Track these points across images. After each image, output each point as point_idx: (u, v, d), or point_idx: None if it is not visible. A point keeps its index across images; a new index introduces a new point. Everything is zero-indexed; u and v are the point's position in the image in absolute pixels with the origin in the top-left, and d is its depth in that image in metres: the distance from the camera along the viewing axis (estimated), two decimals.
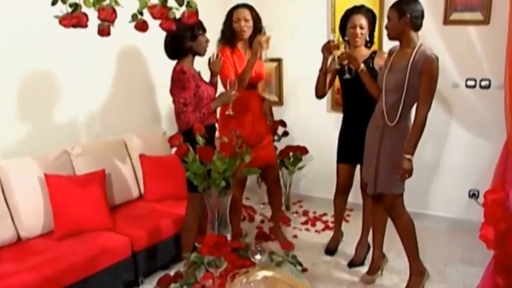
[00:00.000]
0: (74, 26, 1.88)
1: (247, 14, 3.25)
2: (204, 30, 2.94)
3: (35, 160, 3.08)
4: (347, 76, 3.16)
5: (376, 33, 3.40)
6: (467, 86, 3.85)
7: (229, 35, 3.31)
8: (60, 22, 1.93)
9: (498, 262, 1.30)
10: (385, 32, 3.12)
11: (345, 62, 2.99)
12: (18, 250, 2.82)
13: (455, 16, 3.82)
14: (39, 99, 3.29)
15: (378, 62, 3.14)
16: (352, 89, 3.27)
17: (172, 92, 2.88)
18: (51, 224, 2.99)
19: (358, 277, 3.26)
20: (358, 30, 3.15)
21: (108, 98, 3.78)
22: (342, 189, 3.52)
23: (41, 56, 3.24)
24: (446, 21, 3.83)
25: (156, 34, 2.40)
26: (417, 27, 2.72)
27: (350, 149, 3.36)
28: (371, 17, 3.21)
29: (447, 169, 4.08)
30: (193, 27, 2.81)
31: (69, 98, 3.50)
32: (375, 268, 3.21)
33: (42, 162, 3.09)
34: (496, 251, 1.28)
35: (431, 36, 3.61)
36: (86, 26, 1.92)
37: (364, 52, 3.23)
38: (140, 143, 3.75)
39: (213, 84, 3.08)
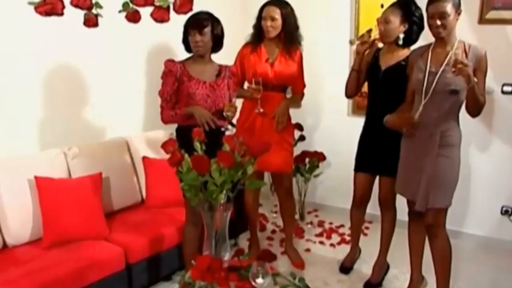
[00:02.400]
0: (48, 13, 1.64)
1: (274, 12, 3.07)
2: (198, 28, 2.69)
3: (26, 160, 2.89)
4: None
5: None
6: (503, 92, 3.51)
7: (254, 32, 3.23)
8: (36, 9, 1.70)
9: None
10: None
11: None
12: (2, 259, 2.59)
13: (492, 14, 3.50)
14: (36, 96, 3.09)
15: None
16: (379, 92, 2.97)
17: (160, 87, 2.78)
18: (40, 231, 2.76)
19: None
20: (381, 26, 2.84)
21: (111, 96, 3.55)
22: (360, 201, 3.22)
23: (36, 55, 3.00)
24: (482, 20, 3.52)
25: (156, 33, 2.15)
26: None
27: (370, 157, 3.07)
28: (408, 14, 2.81)
29: (478, 183, 3.74)
30: (184, 25, 2.72)
31: (68, 96, 3.30)
32: None
33: (33, 163, 2.88)
34: None
35: (465, 36, 3.24)
36: (61, 13, 1.68)
37: (399, 53, 2.88)
38: (144, 144, 3.51)
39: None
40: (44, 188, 2.78)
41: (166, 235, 3.04)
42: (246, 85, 3.29)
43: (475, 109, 2.51)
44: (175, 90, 2.72)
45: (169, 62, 2.73)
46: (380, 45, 3.00)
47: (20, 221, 2.74)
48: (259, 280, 1.97)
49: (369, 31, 2.89)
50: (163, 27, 2.11)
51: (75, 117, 3.34)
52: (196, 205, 2.09)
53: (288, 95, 3.35)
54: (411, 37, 2.86)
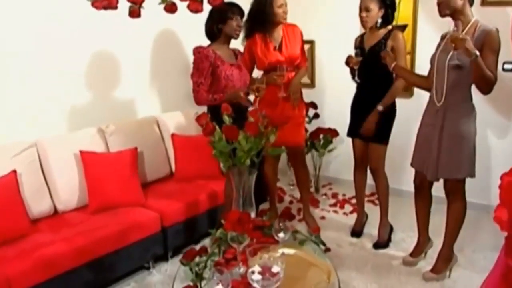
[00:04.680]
0: (105, 8, 1.95)
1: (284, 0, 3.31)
2: (240, 15, 3.02)
3: (71, 137, 3.24)
4: (356, 80, 3.35)
5: (411, 12, 3.32)
6: (504, 69, 3.73)
7: (263, 20, 3.31)
8: (93, 4, 2.01)
9: (509, 244, 1.30)
10: (420, 10, 3.02)
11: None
12: (54, 222, 2.97)
13: None
14: (75, 80, 3.41)
15: (390, 44, 3.16)
16: (366, 68, 3.26)
17: (192, 72, 3.02)
18: (85, 199, 3.13)
19: (383, 259, 3.28)
20: (364, 14, 3.15)
21: (141, 78, 3.88)
22: (360, 162, 3.57)
23: (76, 39, 3.36)
24: (484, 2, 3.72)
25: (190, 17, 2.42)
26: (473, 1, 2.65)
27: (359, 125, 3.38)
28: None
29: (480, 155, 3.98)
30: (223, 10, 2.91)
31: (104, 78, 3.62)
32: (419, 251, 3.20)
33: (77, 139, 3.23)
34: (509, 233, 1.29)
35: None
36: (116, 7, 1.99)
37: (378, 33, 3.22)
38: (172, 122, 3.84)
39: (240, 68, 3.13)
40: (88, 161, 3.13)
41: (196, 202, 3.37)
42: (255, 72, 3.56)
43: (482, 84, 2.54)
44: (210, 73, 2.97)
45: (202, 49, 2.98)
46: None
47: (69, 190, 3.10)
48: (281, 235, 2.22)
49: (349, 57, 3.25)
50: (181, 17, 2.36)
51: (108, 98, 3.67)
52: (227, 169, 2.41)
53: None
54: (387, 19, 3.22)
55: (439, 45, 2.84)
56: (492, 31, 2.55)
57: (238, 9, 3.02)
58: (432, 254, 3.11)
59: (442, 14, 2.67)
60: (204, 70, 2.96)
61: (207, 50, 2.98)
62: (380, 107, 3.21)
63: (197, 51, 2.97)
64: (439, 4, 2.66)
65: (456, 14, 2.63)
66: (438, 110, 2.74)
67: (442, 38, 2.85)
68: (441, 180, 2.88)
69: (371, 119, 3.24)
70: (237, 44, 3.36)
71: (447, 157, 2.73)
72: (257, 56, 3.40)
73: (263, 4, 3.26)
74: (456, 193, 2.83)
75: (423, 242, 3.20)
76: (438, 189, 3.02)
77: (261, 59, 3.39)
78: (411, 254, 3.21)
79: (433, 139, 2.77)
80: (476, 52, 2.42)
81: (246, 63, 3.45)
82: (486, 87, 2.56)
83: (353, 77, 3.34)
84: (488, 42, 2.54)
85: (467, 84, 2.66)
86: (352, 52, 3.35)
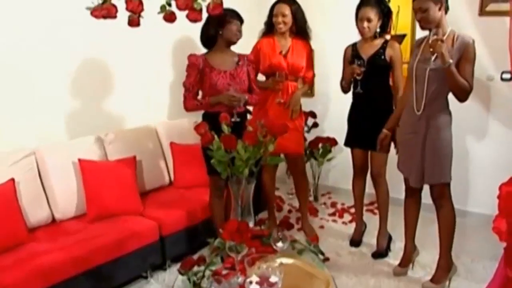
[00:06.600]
0: (104, 17, 1.96)
1: (285, 9, 3.38)
2: (239, 19, 3.04)
3: (70, 145, 3.24)
4: (359, 90, 3.31)
5: (409, 22, 3.35)
6: (502, 79, 3.75)
7: (266, 28, 3.54)
8: (92, 13, 2.02)
9: (508, 254, 1.29)
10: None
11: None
12: (52, 230, 2.95)
13: (492, 7, 3.72)
14: (74, 88, 3.41)
15: (389, 53, 3.20)
16: (364, 77, 3.25)
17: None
18: (83, 207, 3.12)
19: (382, 268, 3.26)
20: (365, 24, 3.17)
21: (140, 87, 3.88)
22: (360, 171, 3.58)
23: (80, 47, 3.37)
24: (482, 12, 3.74)
25: (189, 26, 2.43)
26: (447, 10, 2.70)
27: (358, 134, 3.41)
28: (382, 9, 3.18)
29: (479, 164, 3.99)
30: (222, 14, 2.90)
31: (103, 86, 3.63)
32: (407, 261, 3.20)
33: (76, 148, 3.23)
34: (508, 243, 1.28)
35: (466, 27, 3.52)
36: (115, 17, 2.00)
37: (375, 42, 3.25)
38: (171, 131, 3.85)
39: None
40: (87, 169, 3.12)
41: (194, 212, 3.36)
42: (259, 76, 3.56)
43: (457, 92, 2.64)
44: (197, 81, 3.04)
45: (192, 56, 3.04)
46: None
47: (67, 198, 3.09)
48: (279, 244, 2.23)
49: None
50: (180, 26, 2.37)
51: (107, 107, 3.67)
52: (225, 178, 2.40)
53: (299, 85, 3.62)
54: (384, 28, 3.26)
55: (415, 54, 2.85)
56: (470, 43, 2.63)
57: (236, 14, 3.04)
58: (431, 264, 3.09)
59: (425, 29, 2.72)
60: (192, 77, 3.03)
61: (196, 57, 3.04)
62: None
63: (188, 58, 3.03)
64: (419, 20, 2.70)
65: (436, 26, 2.67)
66: (419, 118, 2.79)
67: (418, 45, 2.87)
68: (427, 187, 2.92)
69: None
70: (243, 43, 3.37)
71: (432, 164, 2.79)
72: (262, 56, 3.48)
73: (269, 12, 3.49)
74: (443, 197, 2.86)
75: (410, 251, 3.19)
76: (425, 196, 3.03)
77: (265, 58, 3.45)
78: (400, 264, 3.21)
79: (416, 147, 2.82)
80: (450, 61, 2.52)
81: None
82: (461, 95, 2.66)
83: (355, 88, 3.32)
84: (467, 54, 2.62)
85: (446, 93, 2.74)
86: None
